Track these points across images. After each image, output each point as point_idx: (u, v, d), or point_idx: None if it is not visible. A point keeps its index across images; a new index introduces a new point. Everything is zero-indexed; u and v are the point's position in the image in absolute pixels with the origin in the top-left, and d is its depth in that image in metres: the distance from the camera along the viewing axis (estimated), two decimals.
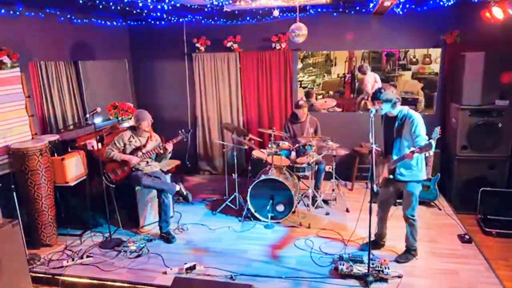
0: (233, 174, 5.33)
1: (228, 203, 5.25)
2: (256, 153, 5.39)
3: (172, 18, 6.15)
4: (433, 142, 3.16)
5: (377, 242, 4.13)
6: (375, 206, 3.79)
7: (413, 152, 3.33)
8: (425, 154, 3.35)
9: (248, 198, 4.81)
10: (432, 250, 4.11)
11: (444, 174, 5.24)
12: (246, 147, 5.31)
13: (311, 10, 5.66)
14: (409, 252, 3.93)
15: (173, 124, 5.94)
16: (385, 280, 3.53)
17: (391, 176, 3.71)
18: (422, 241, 4.30)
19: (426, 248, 4.15)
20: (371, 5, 5.24)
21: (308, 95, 6.29)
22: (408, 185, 3.69)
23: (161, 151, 4.54)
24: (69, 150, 4.62)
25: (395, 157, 3.62)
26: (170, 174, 5.20)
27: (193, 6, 5.23)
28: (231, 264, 3.92)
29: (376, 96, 3.59)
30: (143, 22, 6.41)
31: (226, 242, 4.41)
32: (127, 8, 5.03)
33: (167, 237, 4.46)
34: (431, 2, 5.14)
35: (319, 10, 5.64)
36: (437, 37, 5.52)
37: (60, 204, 4.60)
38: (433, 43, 5.63)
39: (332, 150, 4.96)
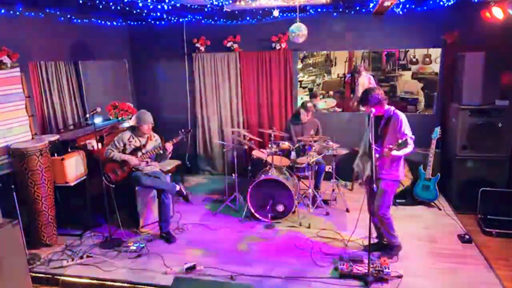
0: (233, 174, 5.33)
1: (228, 203, 5.26)
2: (256, 153, 5.39)
3: (172, 18, 6.15)
4: (410, 140, 3.12)
5: (379, 243, 4.10)
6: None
7: (390, 149, 3.30)
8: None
9: (248, 198, 4.81)
10: (432, 250, 4.11)
11: (444, 174, 5.24)
12: (246, 147, 5.31)
13: (311, 10, 5.66)
14: (393, 249, 3.92)
15: (173, 124, 5.93)
16: (385, 280, 3.53)
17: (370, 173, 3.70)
18: (422, 241, 4.31)
19: (426, 248, 4.15)
20: (371, 5, 5.24)
21: (312, 96, 6.27)
22: (382, 182, 3.67)
23: (161, 151, 4.53)
24: (69, 150, 4.62)
25: (377, 155, 3.61)
26: (170, 174, 5.20)
27: (193, 6, 5.23)
28: (231, 264, 3.92)
29: (364, 101, 3.56)
30: (143, 22, 6.40)
31: (226, 242, 4.41)
32: (127, 8, 5.03)
33: (167, 237, 4.46)
34: (431, 2, 5.14)
35: (319, 10, 5.64)
36: (437, 37, 5.52)
37: (60, 204, 4.60)
38: (433, 43, 5.62)
39: (332, 150, 4.96)
